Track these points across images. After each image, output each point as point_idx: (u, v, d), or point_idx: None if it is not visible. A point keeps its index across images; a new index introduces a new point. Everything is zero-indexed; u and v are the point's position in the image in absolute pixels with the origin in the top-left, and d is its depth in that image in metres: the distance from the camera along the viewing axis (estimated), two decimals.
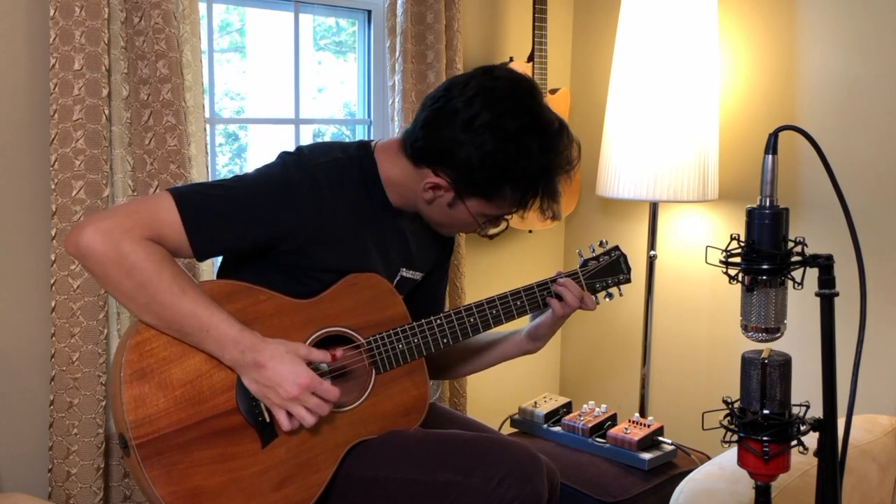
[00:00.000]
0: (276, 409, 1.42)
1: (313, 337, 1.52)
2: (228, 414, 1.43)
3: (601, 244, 1.81)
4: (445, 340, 1.64)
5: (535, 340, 1.77)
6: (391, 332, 1.60)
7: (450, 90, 1.54)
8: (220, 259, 1.68)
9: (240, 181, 1.50)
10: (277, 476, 1.45)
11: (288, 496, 1.46)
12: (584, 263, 1.79)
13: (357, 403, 1.56)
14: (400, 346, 1.60)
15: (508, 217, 1.64)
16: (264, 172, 1.52)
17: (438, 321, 1.64)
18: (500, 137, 1.49)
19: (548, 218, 1.61)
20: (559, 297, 1.72)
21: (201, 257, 1.47)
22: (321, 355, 1.44)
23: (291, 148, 1.59)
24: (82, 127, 1.79)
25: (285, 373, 1.39)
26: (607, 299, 1.81)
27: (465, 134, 1.49)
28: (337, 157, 1.56)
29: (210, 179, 2.08)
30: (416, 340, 1.61)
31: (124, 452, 1.40)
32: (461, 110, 1.50)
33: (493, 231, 1.66)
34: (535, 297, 1.72)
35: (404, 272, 1.69)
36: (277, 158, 1.56)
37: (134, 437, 1.35)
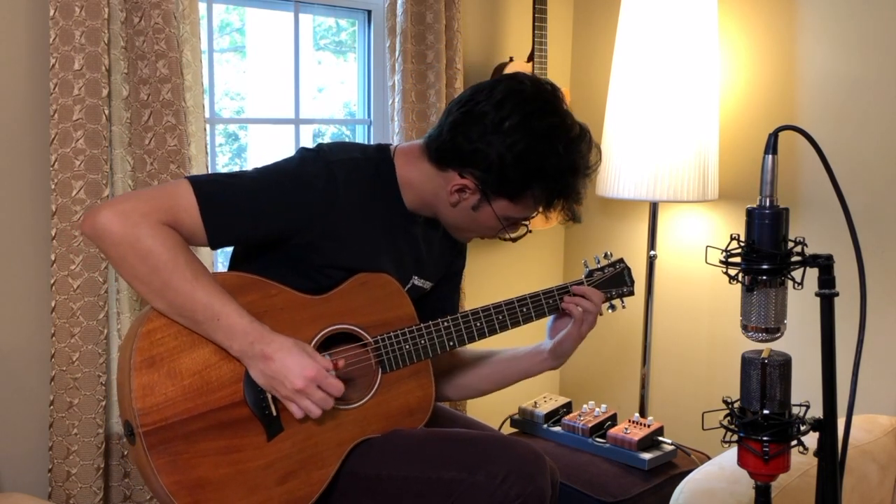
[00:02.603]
0: (285, 400, 1.43)
1: (322, 334, 1.53)
2: (235, 406, 1.43)
3: (606, 256, 1.83)
4: (451, 343, 1.65)
5: (559, 357, 1.76)
6: (398, 332, 1.60)
7: (476, 95, 1.56)
8: (230, 253, 1.68)
9: (257, 172, 1.51)
10: (281, 470, 1.45)
11: (291, 491, 1.46)
12: (590, 274, 1.80)
13: (363, 402, 1.56)
14: (407, 346, 1.60)
15: (528, 222, 1.65)
16: (282, 165, 1.53)
17: (445, 324, 1.64)
18: (531, 137, 1.51)
19: (569, 220, 1.63)
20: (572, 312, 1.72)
21: (215, 245, 1.48)
22: (325, 363, 1.44)
23: (311, 145, 1.60)
24: (82, 127, 1.79)
25: (292, 365, 1.39)
26: (610, 311, 1.83)
27: (496, 135, 1.51)
28: (355, 157, 1.57)
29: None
30: (422, 342, 1.62)
31: (129, 440, 1.40)
32: (490, 112, 1.52)
33: (514, 235, 1.66)
34: (541, 305, 1.73)
35: (416, 280, 1.69)
36: (296, 153, 1.57)
37: (141, 424, 1.35)
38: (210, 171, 2.08)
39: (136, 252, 1.36)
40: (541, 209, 1.61)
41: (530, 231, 1.68)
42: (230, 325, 1.39)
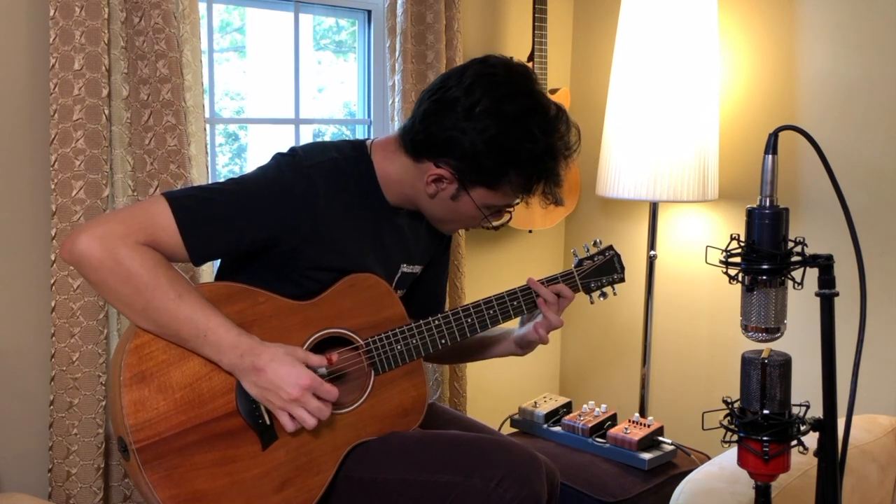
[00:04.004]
0: (278, 411, 1.42)
1: (312, 339, 1.52)
2: (228, 416, 1.42)
3: (595, 244, 1.82)
4: (443, 341, 1.64)
5: (523, 347, 1.79)
6: (389, 333, 1.59)
7: (446, 81, 1.54)
8: (218, 262, 1.67)
9: (234, 184, 1.50)
10: (278, 478, 1.45)
11: (288, 498, 1.46)
12: (580, 263, 1.80)
13: (356, 405, 1.56)
14: (398, 346, 1.60)
15: (511, 209, 1.64)
16: (259, 174, 1.52)
17: (436, 322, 1.64)
18: (503, 121, 1.49)
19: (550, 203, 1.61)
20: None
21: (198, 261, 1.46)
22: (318, 360, 1.44)
23: (286, 149, 1.58)
24: (82, 127, 1.79)
25: (285, 375, 1.38)
26: (602, 298, 1.83)
27: (468, 121, 1.49)
28: (332, 157, 1.56)
29: (209, 180, 2.08)
30: (414, 341, 1.61)
31: (123, 456, 1.39)
32: (461, 99, 1.50)
33: (496, 223, 1.65)
34: (531, 297, 1.73)
35: (404, 267, 1.69)
36: (272, 160, 1.55)
37: (134, 440, 1.35)
38: (209, 171, 2.08)
39: (117, 275, 1.35)
40: (521, 195, 1.59)
41: (511, 218, 1.67)
42: (217, 340, 1.38)
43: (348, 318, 1.57)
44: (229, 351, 1.39)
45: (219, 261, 1.65)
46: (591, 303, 1.83)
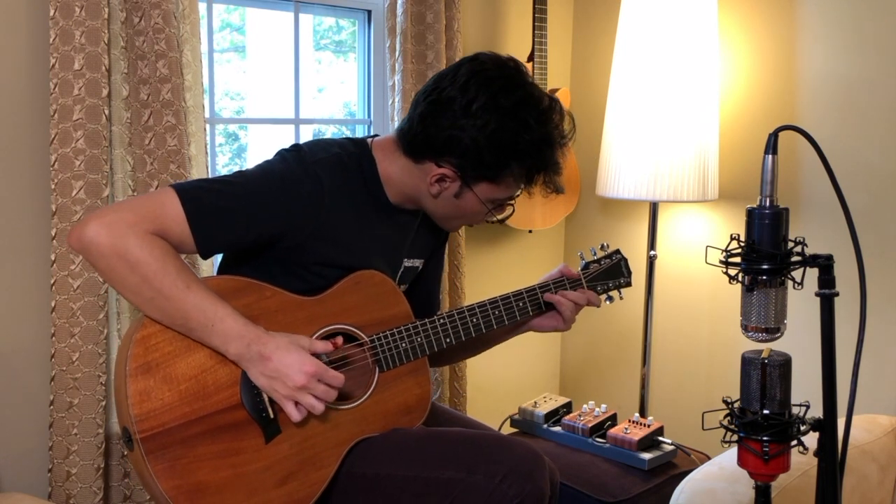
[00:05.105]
0: (284, 400, 1.42)
1: (317, 334, 1.53)
2: (232, 409, 1.43)
3: (602, 247, 1.83)
4: (448, 340, 1.65)
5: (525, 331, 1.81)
6: (395, 330, 1.60)
7: (440, 82, 1.56)
8: (219, 257, 1.68)
9: (242, 177, 1.50)
10: (280, 472, 1.45)
11: (290, 492, 1.46)
12: (586, 266, 1.81)
13: (360, 401, 1.56)
14: (403, 344, 1.60)
15: (513, 201, 1.66)
16: (265, 169, 1.53)
17: (441, 320, 1.64)
18: (501, 115, 1.51)
19: (552, 192, 1.62)
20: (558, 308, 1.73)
21: (205, 253, 1.47)
22: (324, 346, 1.45)
23: (289, 145, 1.59)
24: (82, 127, 1.79)
25: (290, 362, 1.39)
26: (608, 302, 1.83)
27: (466, 118, 1.51)
28: (336, 153, 1.57)
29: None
30: (419, 339, 1.62)
31: (127, 447, 1.40)
32: (457, 97, 1.52)
33: (500, 216, 1.67)
34: (536, 299, 1.73)
35: (406, 262, 1.71)
36: (276, 155, 1.56)
37: (139, 430, 1.35)
38: (209, 171, 2.08)
39: (126, 263, 1.35)
40: (523, 186, 1.61)
41: (514, 211, 1.69)
42: (225, 329, 1.39)
43: (354, 314, 1.57)
44: (236, 340, 1.39)
45: (220, 256, 1.65)
46: (597, 306, 1.82)
